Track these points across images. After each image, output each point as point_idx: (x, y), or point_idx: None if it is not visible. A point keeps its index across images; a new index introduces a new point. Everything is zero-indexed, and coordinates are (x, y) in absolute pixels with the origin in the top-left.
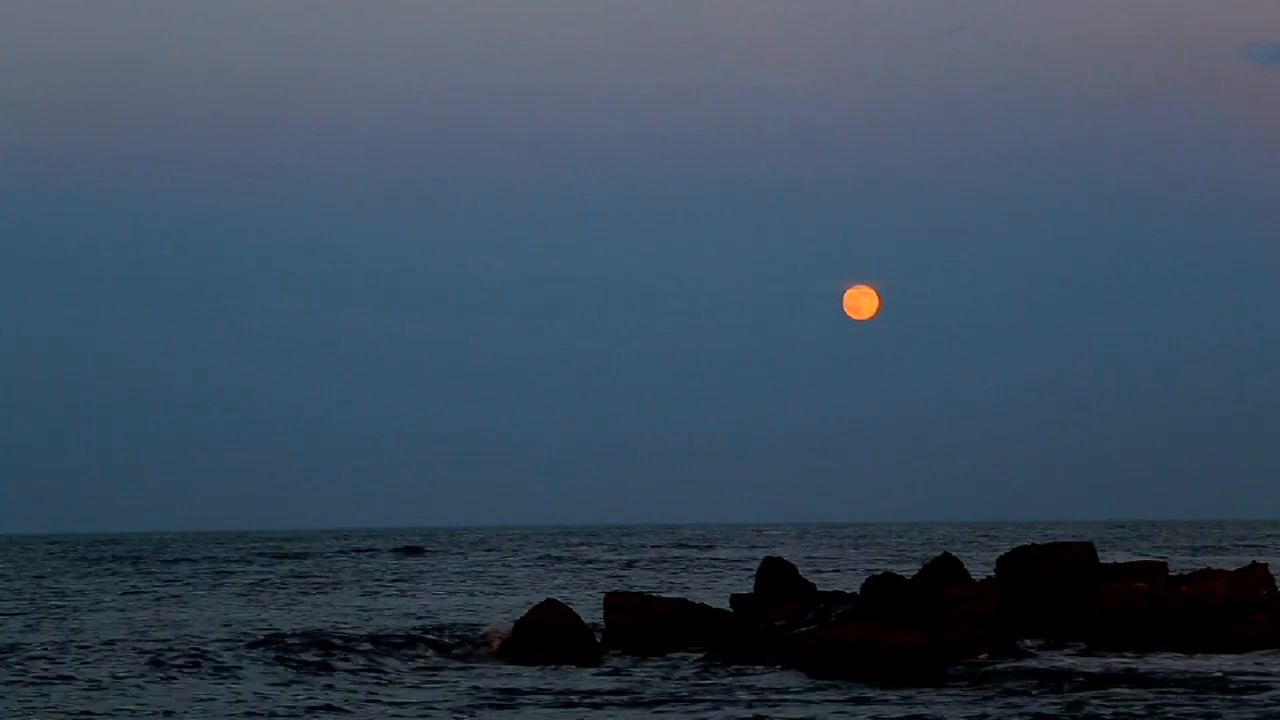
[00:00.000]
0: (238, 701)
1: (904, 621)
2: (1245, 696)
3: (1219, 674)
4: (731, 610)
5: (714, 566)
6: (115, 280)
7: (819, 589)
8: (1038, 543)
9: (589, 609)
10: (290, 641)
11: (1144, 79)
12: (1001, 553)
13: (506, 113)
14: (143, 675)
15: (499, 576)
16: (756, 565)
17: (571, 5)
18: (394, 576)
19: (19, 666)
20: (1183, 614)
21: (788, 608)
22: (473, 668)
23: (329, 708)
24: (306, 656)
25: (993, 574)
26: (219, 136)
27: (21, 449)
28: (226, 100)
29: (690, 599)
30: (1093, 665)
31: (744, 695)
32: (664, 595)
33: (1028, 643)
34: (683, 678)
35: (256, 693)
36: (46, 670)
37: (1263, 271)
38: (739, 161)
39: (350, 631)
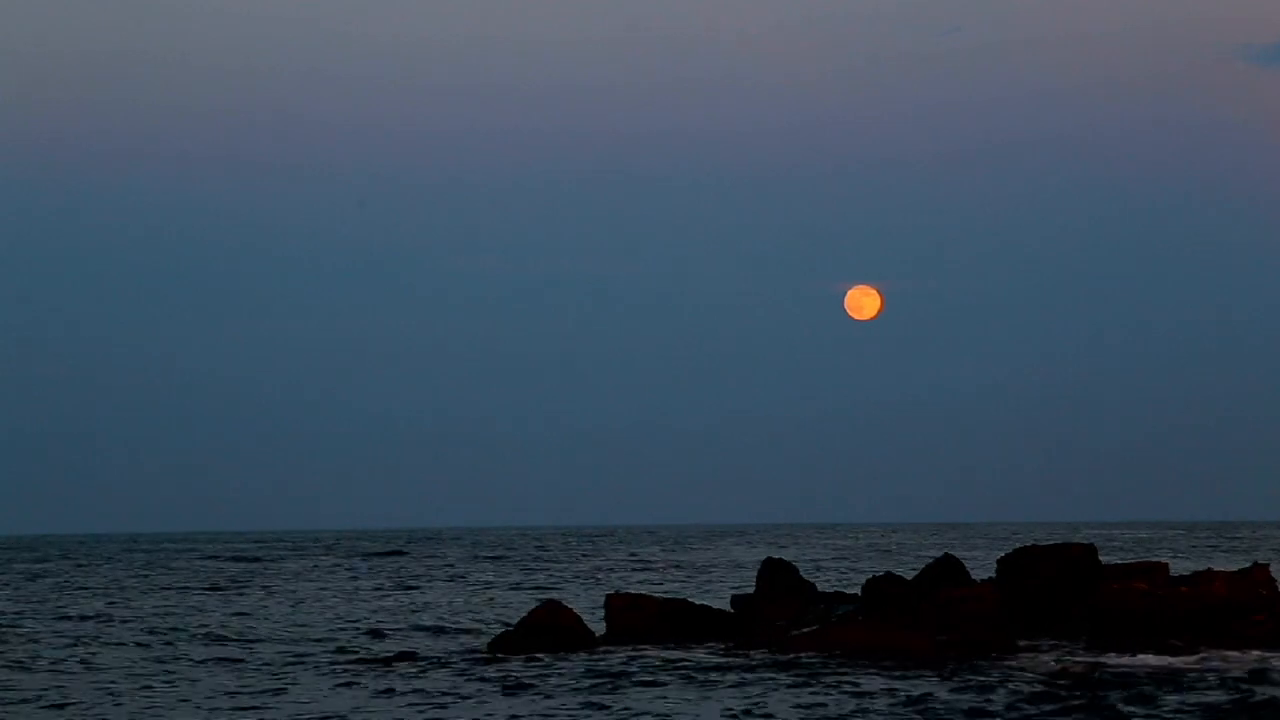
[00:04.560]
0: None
1: (905, 622)
2: (1243, 696)
3: (1218, 674)
4: (732, 610)
5: (716, 567)
6: (113, 278)
7: (819, 589)
8: (1038, 543)
9: (589, 609)
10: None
11: (1143, 80)
12: (1001, 553)
13: (503, 110)
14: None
15: (496, 577)
16: (757, 566)
17: (574, 1)
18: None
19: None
20: (1183, 614)
21: (789, 608)
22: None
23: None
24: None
25: (993, 574)
26: (217, 134)
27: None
28: (227, 97)
29: (691, 599)
30: (1093, 665)
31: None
32: (664, 595)
33: (1028, 643)
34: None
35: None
36: None
37: (1262, 270)
38: (739, 161)
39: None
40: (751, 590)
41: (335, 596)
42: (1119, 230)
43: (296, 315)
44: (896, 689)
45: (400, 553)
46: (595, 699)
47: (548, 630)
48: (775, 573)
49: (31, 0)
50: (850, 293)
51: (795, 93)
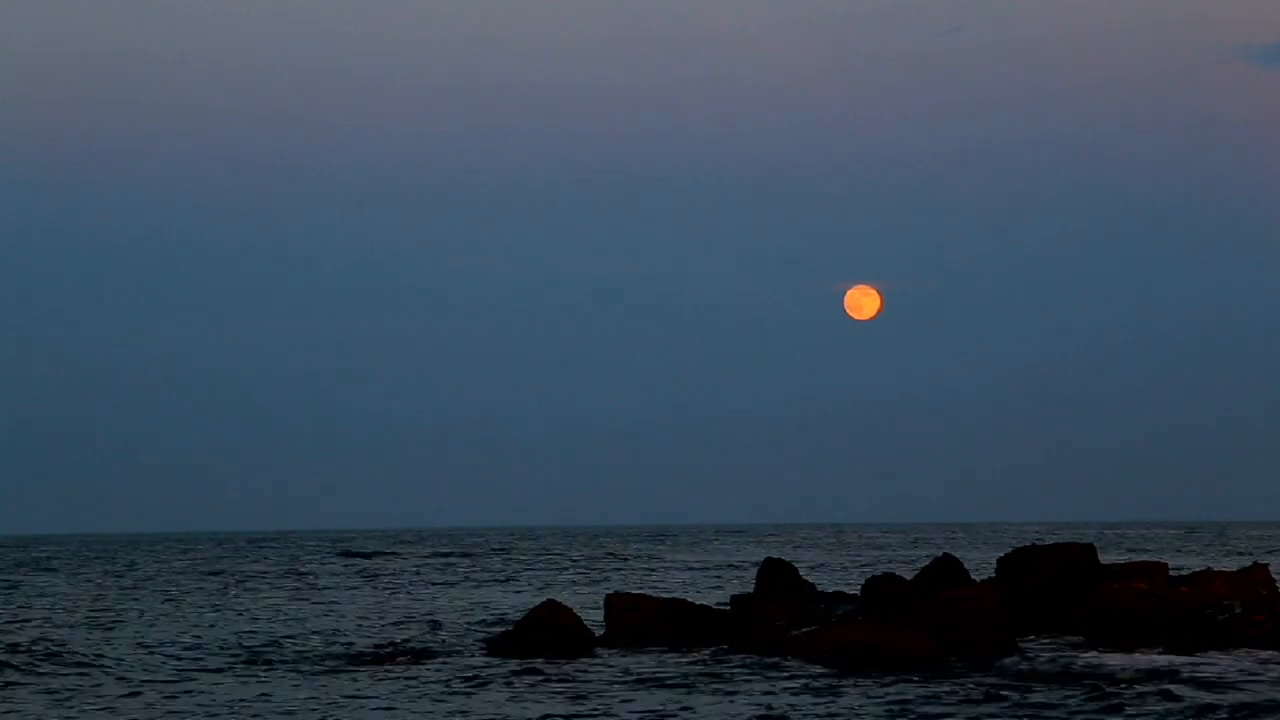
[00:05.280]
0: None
1: (905, 622)
2: (1241, 696)
3: (1217, 674)
4: (732, 610)
5: (716, 567)
6: (112, 278)
7: (819, 589)
8: (1038, 543)
9: (589, 609)
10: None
11: (1143, 80)
12: (1001, 553)
13: (503, 110)
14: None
15: (495, 577)
16: (757, 566)
17: (574, 1)
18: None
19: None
20: (1183, 614)
21: (789, 608)
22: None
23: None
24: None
25: (993, 574)
26: (216, 133)
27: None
28: (227, 97)
29: (691, 599)
30: (1092, 665)
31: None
32: (664, 595)
33: (1028, 643)
34: (683, 672)
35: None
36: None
37: (1262, 271)
38: (738, 161)
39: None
40: (751, 590)
41: (334, 595)
42: (1119, 230)
43: (297, 315)
44: (896, 690)
45: (395, 553)
46: (594, 699)
47: (547, 630)
48: (775, 573)
49: (32, 0)
50: (850, 293)
51: (795, 93)
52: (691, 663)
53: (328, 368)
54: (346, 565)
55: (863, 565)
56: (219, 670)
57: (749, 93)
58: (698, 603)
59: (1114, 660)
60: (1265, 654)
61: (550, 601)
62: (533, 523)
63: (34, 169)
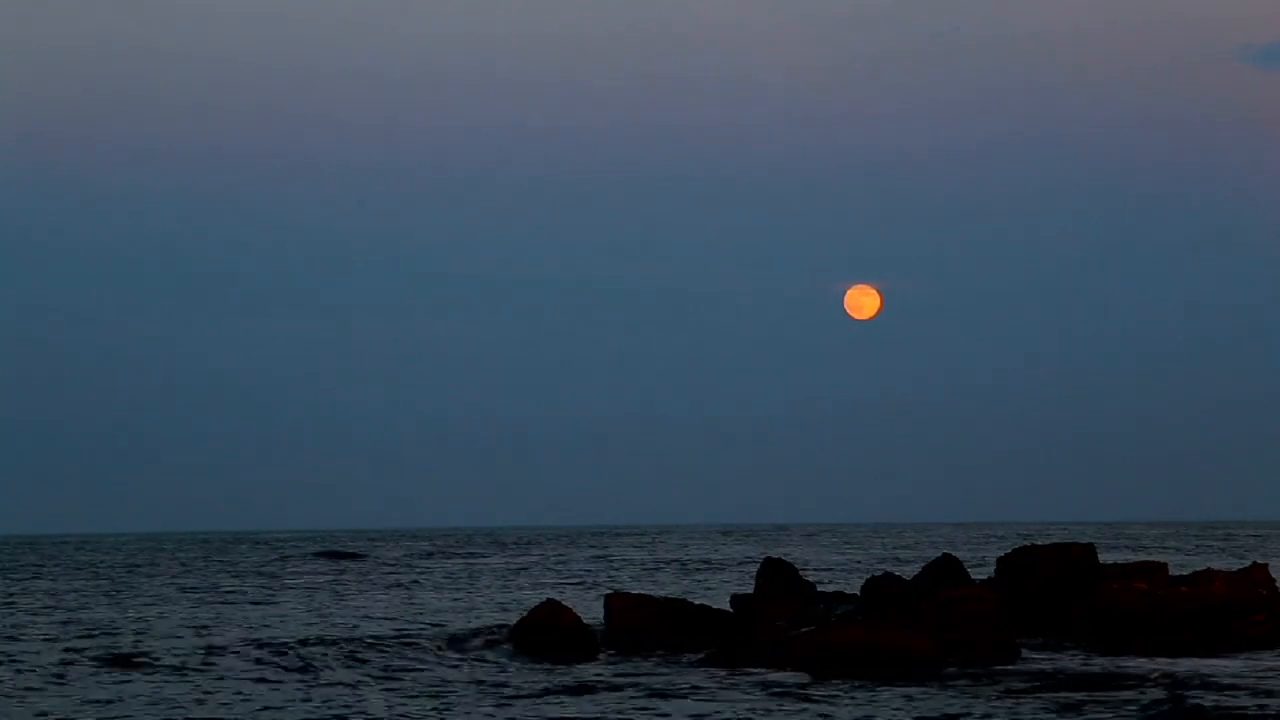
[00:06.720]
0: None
1: (905, 622)
2: (1240, 696)
3: (1216, 674)
4: (732, 610)
5: (716, 567)
6: (111, 275)
7: (819, 589)
8: (1038, 543)
9: (589, 609)
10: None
11: (1142, 79)
12: (1001, 553)
13: (505, 106)
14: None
15: (494, 576)
16: (757, 566)
17: None
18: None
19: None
20: (1182, 614)
21: (788, 608)
22: (475, 665)
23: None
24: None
25: (993, 574)
26: (216, 129)
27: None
28: (228, 93)
29: (691, 599)
30: (1092, 665)
31: (746, 691)
32: (664, 596)
33: (1027, 643)
34: (684, 675)
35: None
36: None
37: (1262, 271)
38: (738, 159)
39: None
40: (751, 590)
41: (333, 595)
42: (1118, 230)
43: (297, 315)
44: (896, 691)
45: (392, 553)
46: (594, 700)
47: (547, 630)
48: (775, 573)
49: None
50: (850, 292)
51: (795, 91)
52: (690, 663)
53: (328, 368)
54: (345, 565)
55: (862, 565)
56: (199, 669)
57: (749, 91)
58: (698, 603)
59: (1113, 661)
60: (1265, 654)
61: (550, 601)
62: (532, 523)
63: (34, 167)
